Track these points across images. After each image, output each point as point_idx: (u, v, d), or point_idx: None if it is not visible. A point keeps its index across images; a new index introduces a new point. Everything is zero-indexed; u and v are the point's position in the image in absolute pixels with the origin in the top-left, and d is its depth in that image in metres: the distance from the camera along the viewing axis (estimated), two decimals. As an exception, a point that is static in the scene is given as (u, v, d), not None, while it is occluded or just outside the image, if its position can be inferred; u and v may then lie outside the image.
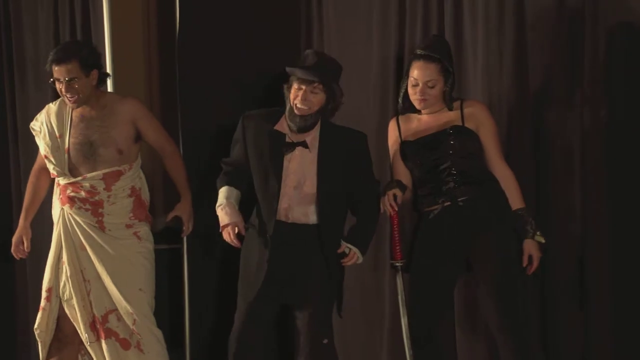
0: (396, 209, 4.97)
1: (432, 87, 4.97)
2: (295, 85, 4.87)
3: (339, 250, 4.94)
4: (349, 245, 4.96)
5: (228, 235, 4.90)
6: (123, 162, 5.31)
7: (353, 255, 4.97)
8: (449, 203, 4.97)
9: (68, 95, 5.20)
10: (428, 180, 5.02)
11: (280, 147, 4.92)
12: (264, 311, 4.97)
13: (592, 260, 5.13)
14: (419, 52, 5.01)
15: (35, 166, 5.51)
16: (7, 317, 6.61)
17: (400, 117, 5.14)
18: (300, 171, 4.92)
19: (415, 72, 4.99)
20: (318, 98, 4.88)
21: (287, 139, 4.93)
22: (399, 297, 5.05)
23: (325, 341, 4.98)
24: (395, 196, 4.96)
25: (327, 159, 4.92)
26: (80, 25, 6.21)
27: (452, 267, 5.02)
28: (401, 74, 5.42)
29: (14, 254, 5.48)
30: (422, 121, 5.07)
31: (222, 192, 5.01)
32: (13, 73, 6.51)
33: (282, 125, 4.95)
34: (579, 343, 5.19)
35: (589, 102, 5.10)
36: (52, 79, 5.20)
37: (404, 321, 5.03)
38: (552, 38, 5.17)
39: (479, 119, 5.01)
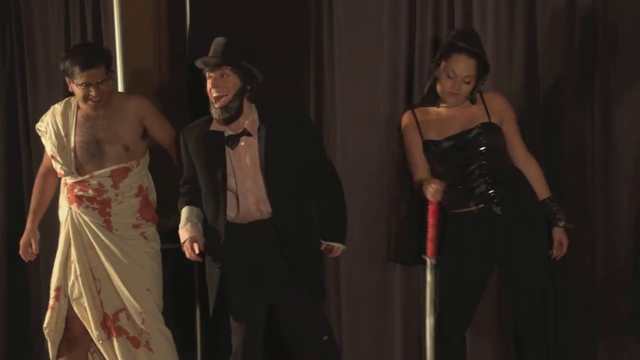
0: (440, 197, 4.76)
1: (468, 83, 4.87)
2: (207, 77, 4.75)
3: (322, 248, 4.90)
4: (329, 243, 4.92)
5: (187, 250, 4.82)
6: (130, 158, 5.32)
7: (336, 250, 4.94)
8: (482, 205, 4.86)
9: (95, 98, 5.21)
10: (457, 182, 4.89)
11: (220, 146, 4.78)
12: (257, 312, 4.91)
13: (604, 259, 5.11)
14: (460, 44, 4.85)
15: (41, 169, 5.53)
16: (20, 316, 6.63)
17: (416, 110, 5.02)
18: (254, 161, 4.79)
19: (456, 65, 4.85)
20: (231, 81, 4.73)
21: (226, 134, 4.80)
22: (428, 294, 4.89)
23: (325, 338, 4.89)
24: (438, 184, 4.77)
25: (272, 142, 4.77)
26: (91, 25, 6.23)
27: (485, 267, 4.95)
28: (411, 71, 5.40)
29: (22, 256, 5.50)
30: (443, 116, 4.95)
31: (183, 212, 4.92)
32: (25, 73, 6.53)
33: (216, 124, 4.81)
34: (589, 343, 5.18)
35: (599, 100, 5.08)
36: (81, 83, 5.16)
37: (429, 321, 4.90)
38: (563, 37, 5.14)
39: (502, 112, 4.93)
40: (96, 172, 5.29)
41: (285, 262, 4.80)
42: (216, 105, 4.73)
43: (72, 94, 5.37)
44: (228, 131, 4.80)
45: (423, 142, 4.96)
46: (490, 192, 4.86)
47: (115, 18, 5.78)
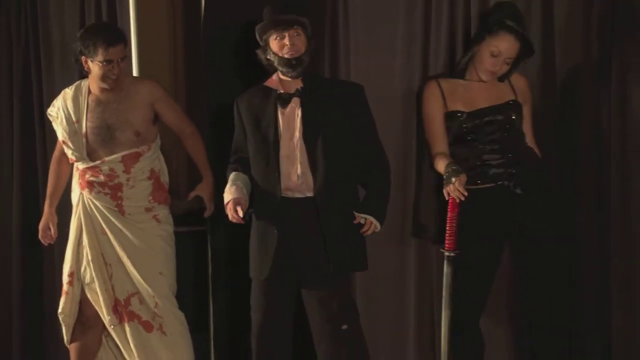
0: (463, 197, 4.71)
1: (508, 64, 4.86)
2: (275, 38, 4.81)
3: (355, 222, 4.83)
4: (363, 215, 4.85)
5: (230, 212, 4.81)
6: (141, 143, 5.32)
7: (370, 224, 4.85)
8: (501, 183, 4.84)
9: (113, 78, 5.21)
10: (477, 156, 4.87)
11: (273, 104, 4.85)
12: (280, 294, 4.89)
13: (619, 252, 5.06)
14: (509, 23, 4.81)
15: (56, 152, 5.54)
16: (35, 301, 6.65)
17: (441, 80, 4.97)
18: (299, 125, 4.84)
19: (502, 45, 4.83)
20: (302, 39, 4.84)
21: (278, 92, 4.87)
22: (445, 289, 4.88)
23: (345, 327, 4.86)
24: (461, 182, 4.72)
25: (313, 100, 4.83)
26: (106, 6, 6.20)
27: (497, 248, 4.93)
28: (426, 56, 5.36)
29: (41, 240, 5.53)
30: (471, 88, 4.93)
31: (230, 177, 4.95)
32: (39, 54, 6.52)
33: (271, 82, 4.90)
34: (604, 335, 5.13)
35: (616, 94, 5.02)
36: (104, 60, 5.15)
37: (445, 313, 4.89)
38: (580, 30, 5.08)
39: (525, 95, 4.93)
40: (107, 158, 5.30)
41: (321, 240, 4.78)
42: (289, 56, 4.80)
43: (86, 75, 5.35)
44: (281, 89, 4.87)
45: (447, 112, 4.92)
46: (509, 170, 4.84)
47: (131, 1, 5.78)
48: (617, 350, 5.07)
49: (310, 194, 4.82)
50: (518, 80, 4.95)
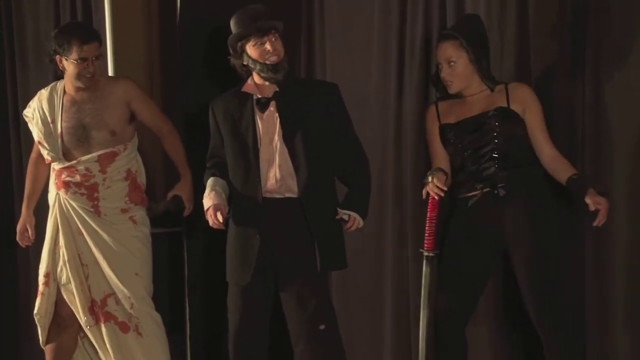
0: (442, 193, 4.76)
1: (454, 64, 4.87)
2: (254, 44, 4.78)
3: (338, 217, 4.84)
4: (346, 212, 4.85)
5: (210, 218, 4.82)
6: (117, 142, 5.30)
7: (353, 220, 4.86)
8: (488, 189, 4.83)
9: (88, 76, 5.20)
10: (468, 165, 4.88)
11: (251, 109, 4.84)
12: (259, 296, 4.89)
13: (594, 251, 5.05)
14: (443, 32, 4.96)
15: (33, 154, 5.52)
16: (9, 302, 6.61)
17: (440, 103, 5.02)
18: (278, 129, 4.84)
19: (439, 53, 4.91)
20: (280, 43, 4.82)
21: (256, 97, 4.86)
22: (423, 289, 4.89)
23: (322, 327, 4.84)
24: (439, 179, 4.77)
25: (289, 101, 4.82)
26: (81, 10, 6.17)
27: (489, 258, 4.90)
28: (402, 63, 5.39)
29: (19, 242, 5.51)
30: (464, 104, 4.95)
31: (208, 183, 4.94)
32: (14, 56, 6.48)
33: (248, 87, 4.88)
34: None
35: (590, 83, 5.04)
36: (78, 58, 5.15)
37: (423, 314, 4.90)
38: (555, 25, 5.11)
39: (526, 102, 4.88)
40: (83, 158, 5.27)
41: (305, 239, 4.79)
42: (270, 62, 4.77)
43: (61, 76, 5.33)
44: (258, 94, 4.85)
45: (440, 127, 4.97)
46: (498, 174, 4.83)
47: (106, 1, 5.77)
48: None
49: (290, 195, 4.82)
50: (516, 88, 4.92)
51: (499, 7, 5.13)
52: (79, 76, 5.20)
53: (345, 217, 4.86)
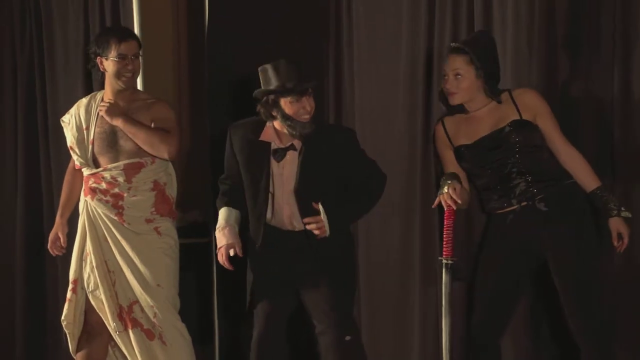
0: (459, 201, 4.77)
1: (461, 77, 4.85)
2: (290, 100, 4.79)
3: (314, 205, 4.83)
4: (322, 210, 4.84)
5: (221, 257, 4.89)
6: (145, 154, 5.32)
7: (319, 221, 4.82)
8: (525, 203, 4.81)
9: (127, 75, 5.26)
10: (495, 183, 4.87)
11: (267, 157, 4.88)
12: (282, 315, 4.97)
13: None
14: (452, 45, 4.95)
15: (71, 164, 5.53)
16: (39, 310, 6.61)
17: (446, 120, 5.01)
18: (293, 176, 4.88)
19: (445, 65, 4.92)
20: (313, 101, 4.85)
21: (273, 146, 4.89)
22: (444, 297, 4.89)
23: (348, 338, 4.87)
24: (454, 189, 4.77)
25: (311, 156, 4.86)
26: (109, 16, 6.17)
27: (525, 272, 4.91)
28: (430, 72, 5.39)
29: (50, 251, 5.52)
30: (473, 120, 4.93)
31: (222, 213, 4.99)
32: (44, 66, 6.47)
33: (267, 134, 4.91)
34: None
35: (619, 101, 5.04)
36: (118, 55, 5.21)
37: (445, 321, 4.90)
38: (584, 37, 5.10)
39: (535, 108, 4.86)
40: (110, 165, 5.31)
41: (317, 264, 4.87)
42: (303, 120, 4.80)
43: (91, 87, 5.36)
44: (276, 143, 4.88)
45: (455, 150, 4.96)
46: (531, 189, 4.81)
47: (134, 13, 5.78)
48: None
49: (300, 228, 4.89)
50: (522, 96, 4.89)
51: (526, 27, 5.13)
52: (119, 74, 5.26)
53: (319, 210, 4.84)
